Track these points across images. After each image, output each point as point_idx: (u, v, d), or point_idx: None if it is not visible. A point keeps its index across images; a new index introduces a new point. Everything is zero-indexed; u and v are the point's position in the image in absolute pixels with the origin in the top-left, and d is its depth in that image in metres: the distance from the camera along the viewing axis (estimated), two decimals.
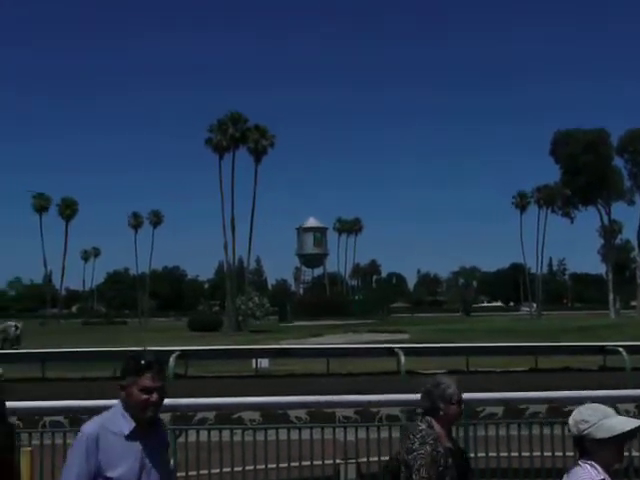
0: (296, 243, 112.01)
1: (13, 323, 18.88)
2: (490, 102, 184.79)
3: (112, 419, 3.40)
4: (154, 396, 3.43)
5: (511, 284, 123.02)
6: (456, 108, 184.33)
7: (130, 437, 3.36)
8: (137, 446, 3.37)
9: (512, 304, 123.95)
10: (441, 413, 4.13)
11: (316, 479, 7.36)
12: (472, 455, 7.35)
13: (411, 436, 4.03)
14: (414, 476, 3.85)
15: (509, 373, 17.23)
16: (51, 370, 18.69)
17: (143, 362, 3.42)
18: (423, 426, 4.07)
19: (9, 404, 8.12)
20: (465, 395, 7.97)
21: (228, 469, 7.35)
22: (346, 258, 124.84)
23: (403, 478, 3.94)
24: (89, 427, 3.38)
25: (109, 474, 3.28)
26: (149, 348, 16.97)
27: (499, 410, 8.05)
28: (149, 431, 3.46)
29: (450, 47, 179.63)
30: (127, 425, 3.38)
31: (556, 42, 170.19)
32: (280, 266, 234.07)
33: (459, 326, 53.05)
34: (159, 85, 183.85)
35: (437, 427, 4.05)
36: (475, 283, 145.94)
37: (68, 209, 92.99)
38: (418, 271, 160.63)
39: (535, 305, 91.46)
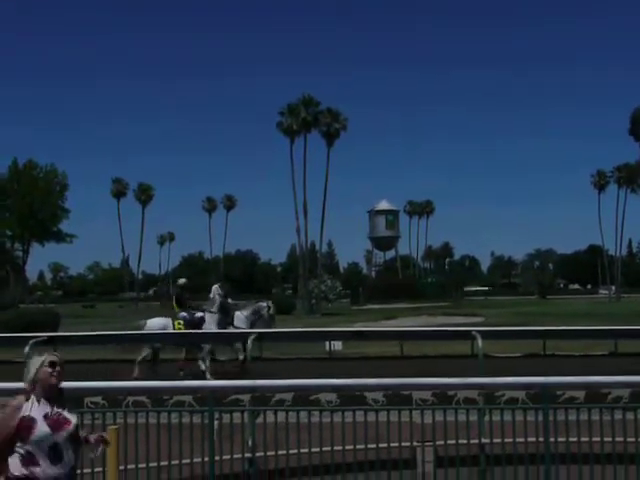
0: (368, 226, 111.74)
1: (265, 303, 18.10)
2: (565, 82, 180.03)
3: None
4: None
5: (589, 266, 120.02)
6: (529, 89, 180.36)
7: None
8: None
9: (590, 287, 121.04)
10: None
11: (393, 461, 7.37)
12: (552, 440, 7.24)
13: None
14: None
15: (588, 357, 16.85)
16: (132, 352, 19.18)
17: None
18: None
19: (96, 384, 8.41)
20: (546, 378, 7.86)
21: (305, 450, 7.42)
22: (418, 241, 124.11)
23: None
24: None
25: None
26: (225, 330, 17.27)
27: (580, 394, 7.89)
28: None
29: (518, 25, 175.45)
30: None
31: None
32: (352, 249, 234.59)
33: (535, 309, 52.15)
34: (231, 69, 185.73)
35: None
36: (551, 266, 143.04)
37: (144, 194, 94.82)
38: (492, 253, 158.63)
39: (614, 288, 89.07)
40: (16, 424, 4.49)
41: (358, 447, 7.29)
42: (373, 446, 7.26)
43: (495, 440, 7.39)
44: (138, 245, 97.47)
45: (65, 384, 8.23)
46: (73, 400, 8.83)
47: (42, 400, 4.62)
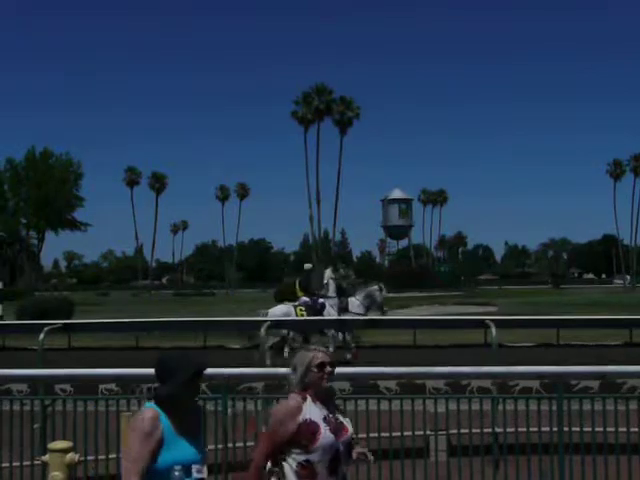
0: (381, 215, 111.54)
1: (376, 286, 17.41)
2: (581, 72, 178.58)
3: None
4: None
5: (603, 256, 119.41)
6: (543, 81, 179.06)
7: None
8: None
9: (604, 277, 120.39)
10: None
11: (406, 450, 7.35)
12: (566, 429, 7.20)
13: None
14: None
15: (603, 347, 16.77)
16: (144, 340, 19.28)
17: None
18: None
19: (110, 371, 8.44)
20: (560, 368, 7.82)
21: None
22: (431, 230, 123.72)
23: None
24: None
25: None
26: (239, 318, 17.27)
27: (595, 384, 7.85)
28: None
29: (534, 19, 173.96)
30: None
31: None
32: (365, 238, 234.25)
33: (549, 299, 51.95)
34: (245, 58, 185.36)
35: None
36: (565, 255, 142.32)
37: (158, 183, 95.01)
38: (506, 243, 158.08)
39: (629, 278, 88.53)
40: (296, 428, 3.90)
41: (371, 436, 7.28)
42: (386, 435, 7.24)
43: (509, 430, 7.36)
44: (152, 233, 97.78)
45: (81, 371, 8.26)
46: (89, 388, 8.88)
47: (316, 402, 4.01)
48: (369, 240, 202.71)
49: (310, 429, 3.89)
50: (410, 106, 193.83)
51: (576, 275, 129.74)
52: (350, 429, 4.09)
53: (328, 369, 4.05)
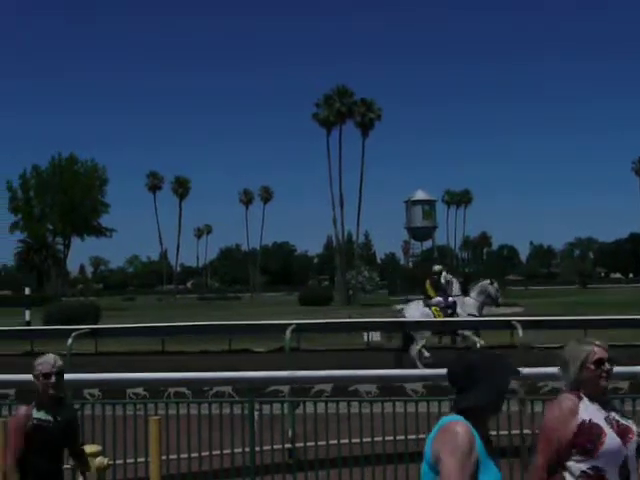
0: (405, 216, 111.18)
1: (488, 281, 16.90)
2: (603, 70, 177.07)
3: None
4: None
5: (631, 255, 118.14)
6: (566, 79, 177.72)
7: None
8: None
9: (632, 276, 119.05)
10: None
11: None
12: None
13: None
14: None
15: (632, 347, 16.56)
16: (170, 344, 19.38)
17: None
18: None
19: (138, 375, 8.49)
20: None
21: (345, 440, 7.41)
22: (456, 231, 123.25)
23: None
24: None
25: None
26: (264, 322, 17.24)
27: (624, 385, 7.76)
28: None
29: (552, 18, 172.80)
30: None
31: None
32: (389, 240, 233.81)
33: (576, 299, 51.48)
34: (266, 61, 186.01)
35: None
36: (592, 254, 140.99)
37: (181, 187, 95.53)
38: (531, 243, 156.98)
39: None
40: (575, 431, 3.49)
41: (398, 438, 7.26)
42: (413, 437, 7.21)
43: (537, 431, 7.29)
44: (176, 238, 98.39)
45: (108, 375, 8.32)
46: (117, 392, 8.93)
47: (593, 401, 3.59)
48: (393, 242, 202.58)
49: (593, 431, 3.48)
50: (432, 106, 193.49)
51: (603, 275, 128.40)
52: (636, 430, 3.60)
53: (607, 366, 3.60)
